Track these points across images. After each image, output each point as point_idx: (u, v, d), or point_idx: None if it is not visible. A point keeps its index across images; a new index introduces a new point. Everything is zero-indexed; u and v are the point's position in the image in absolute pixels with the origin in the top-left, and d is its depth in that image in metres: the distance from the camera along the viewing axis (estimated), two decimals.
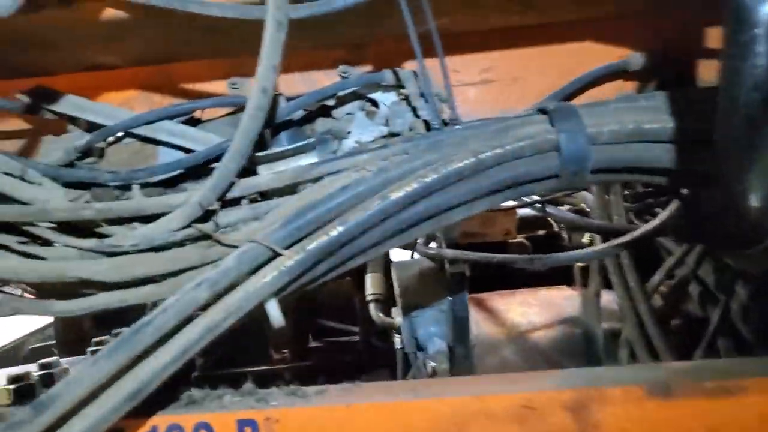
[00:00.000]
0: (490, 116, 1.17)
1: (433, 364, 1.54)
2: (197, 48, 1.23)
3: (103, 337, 2.32)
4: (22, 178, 1.00)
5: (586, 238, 2.22)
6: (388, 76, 1.17)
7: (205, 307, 0.84)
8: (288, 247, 0.86)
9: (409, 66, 1.21)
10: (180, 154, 1.17)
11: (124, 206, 0.91)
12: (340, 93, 1.16)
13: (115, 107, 1.19)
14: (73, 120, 1.22)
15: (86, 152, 1.15)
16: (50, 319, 2.92)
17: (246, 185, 0.94)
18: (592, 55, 1.25)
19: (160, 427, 0.93)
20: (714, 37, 1.22)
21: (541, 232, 2.41)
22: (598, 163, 0.91)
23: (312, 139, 1.05)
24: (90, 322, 3.05)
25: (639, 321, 1.77)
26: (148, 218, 0.93)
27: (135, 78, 1.31)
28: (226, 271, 0.84)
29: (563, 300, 2.12)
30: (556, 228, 2.39)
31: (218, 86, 1.32)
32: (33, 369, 2.05)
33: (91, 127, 1.21)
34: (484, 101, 1.28)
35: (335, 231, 0.86)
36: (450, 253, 1.46)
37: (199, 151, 1.07)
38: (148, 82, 1.32)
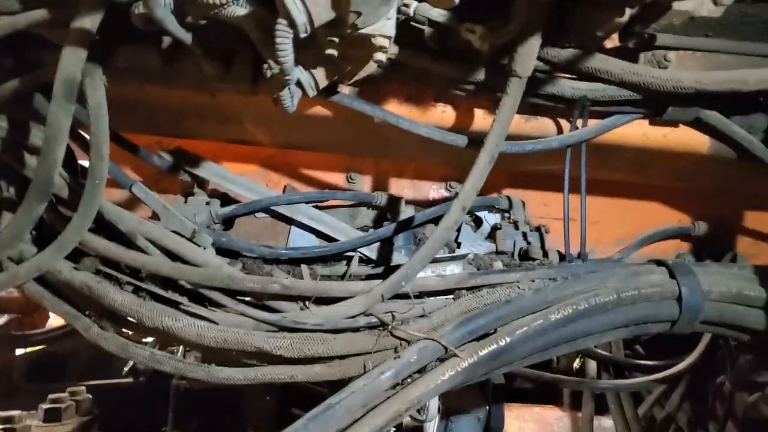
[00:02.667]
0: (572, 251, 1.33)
1: None
2: (331, 147, 1.34)
3: (59, 394, 2.20)
4: (190, 240, 1.04)
5: (576, 363, 2.39)
6: (503, 201, 1.34)
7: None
8: (458, 347, 0.95)
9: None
10: (311, 237, 1.25)
11: (307, 286, 0.98)
12: None
13: (252, 181, 1.27)
14: (201, 184, 1.29)
15: (224, 220, 1.21)
16: None
17: (416, 284, 1.03)
18: (658, 214, 1.48)
19: None
20: (750, 220, 1.49)
21: None
22: (706, 316, 1.08)
23: (467, 252, 1.16)
24: (20, 374, 2.87)
25: None
26: (323, 299, 1.00)
27: (256, 154, 1.40)
28: (408, 364, 0.92)
29: (554, 419, 2.25)
30: None
31: (334, 177, 1.43)
32: None
33: (221, 195, 1.29)
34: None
35: (503, 341, 0.97)
36: None
37: (351, 239, 1.16)
38: (269, 161, 1.41)
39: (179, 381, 2.59)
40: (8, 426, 1.86)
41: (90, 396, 2.33)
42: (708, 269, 1.13)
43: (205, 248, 1.06)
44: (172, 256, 1.01)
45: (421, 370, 0.95)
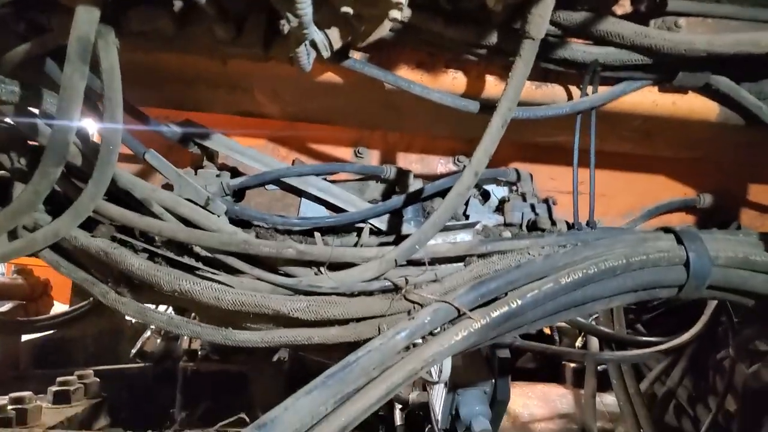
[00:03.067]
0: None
1: None
2: (341, 117, 1.34)
3: (68, 377, 2.22)
4: (204, 207, 1.05)
5: (579, 341, 2.41)
6: (511, 173, 1.34)
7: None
8: (471, 311, 0.96)
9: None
10: (321, 209, 1.26)
11: (321, 251, 0.99)
12: None
13: (262, 154, 1.27)
14: (211, 157, 1.29)
15: (235, 192, 1.22)
16: None
17: (428, 250, 1.04)
18: (664, 187, 1.49)
19: None
20: (755, 193, 1.50)
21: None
22: (713, 281, 1.09)
23: (476, 221, 1.17)
24: (27, 361, 2.89)
25: (636, 423, 1.94)
26: (337, 266, 1.01)
27: (266, 127, 1.40)
28: (422, 324, 0.93)
29: (558, 396, 2.27)
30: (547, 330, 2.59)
31: (342, 152, 1.43)
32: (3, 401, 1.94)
33: (230, 168, 1.29)
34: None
35: (515, 303, 0.97)
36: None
37: (362, 210, 1.17)
38: (277, 135, 1.41)
39: (186, 364, 2.62)
40: (19, 407, 1.87)
41: (98, 379, 2.35)
42: (714, 236, 1.14)
43: (219, 216, 1.06)
44: (187, 223, 1.02)
45: (434, 333, 0.96)
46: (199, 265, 0.99)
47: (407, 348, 0.93)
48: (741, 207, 1.51)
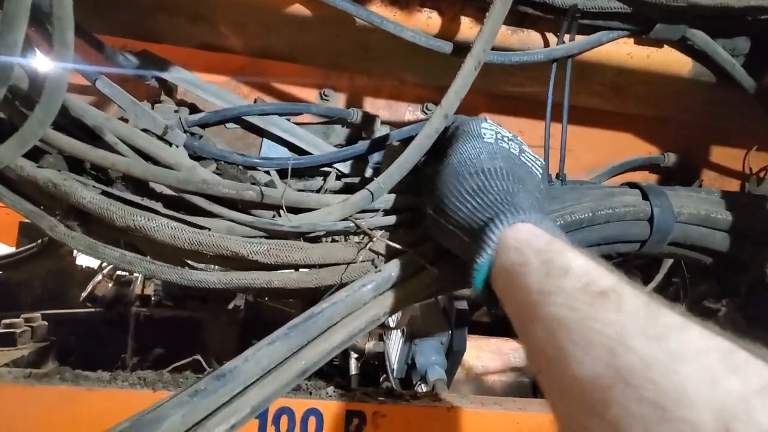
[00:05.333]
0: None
1: (425, 389, 1.64)
2: (308, 55, 1.28)
3: (14, 320, 2.14)
4: (161, 138, 1.00)
5: None
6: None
7: None
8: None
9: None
10: (284, 150, 1.21)
11: (285, 195, 0.95)
12: None
13: (225, 90, 1.21)
14: (169, 91, 1.23)
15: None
16: None
17: (385, 199, 1.01)
18: (629, 145, 1.49)
19: (269, 409, 0.95)
20: (718, 154, 1.52)
21: None
22: (675, 237, 1.11)
23: None
24: None
25: None
26: (297, 210, 0.98)
27: (228, 64, 1.33)
28: (389, 277, 0.91)
29: (511, 350, 2.31)
30: None
31: (307, 93, 1.38)
32: None
33: (189, 104, 1.23)
34: None
35: None
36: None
37: (327, 153, 1.13)
38: (239, 72, 1.34)
39: (139, 309, 2.56)
40: None
41: (45, 323, 2.27)
42: (678, 192, 1.15)
43: (177, 146, 1.01)
44: (143, 156, 0.97)
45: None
46: (156, 204, 0.94)
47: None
48: (703, 168, 1.54)
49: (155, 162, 0.96)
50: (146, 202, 0.93)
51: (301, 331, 0.84)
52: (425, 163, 1.02)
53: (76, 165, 0.96)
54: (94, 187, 0.93)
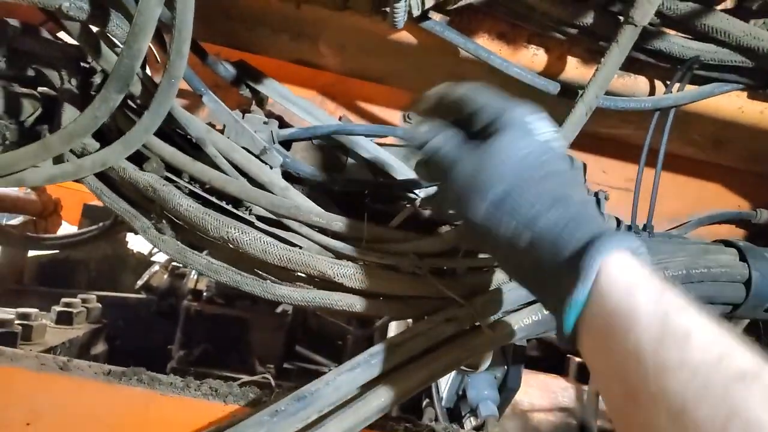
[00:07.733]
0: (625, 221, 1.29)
1: (473, 423, 1.61)
2: (400, 79, 1.27)
3: (72, 299, 2.19)
4: (258, 157, 1.00)
5: None
6: None
7: None
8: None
9: None
10: (366, 172, 1.20)
11: (366, 230, 0.94)
12: None
13: (315, 106, 1.21)
14: (260, 102, 1.23)
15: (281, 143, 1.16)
16: None
17: None
18: (717, 196, 1.43)
19: None
20: None
21: None
22: None
23: None
24: (31, 277, 2.90)
25: None
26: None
27: (316, 79, 1.34)
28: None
29: (560, 389, 2.25)
30: None
31: (390, 114, 1.38)
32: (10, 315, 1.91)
33: (276, 116, 1.23)
34: (621, 207, 1.41)
35: None
36: None
37: (413, 179, 1.12)
38: (327, 89, 1.35)
39: (190, 303, 2.60)
40: (25, 322, 1.85)
41: (100, 305, 2.33)
42: None
43: (272, 168, 1.01)
44: (239, 171, 0.97)
45: None
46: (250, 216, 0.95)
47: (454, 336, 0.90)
48: None
49: (250, 178, 0.97)
50: (241, 212, 0.94)
51: (381, 361, 0.83)
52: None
53: (175, 171, 0.97)
54: (191, 194, 0.94)
